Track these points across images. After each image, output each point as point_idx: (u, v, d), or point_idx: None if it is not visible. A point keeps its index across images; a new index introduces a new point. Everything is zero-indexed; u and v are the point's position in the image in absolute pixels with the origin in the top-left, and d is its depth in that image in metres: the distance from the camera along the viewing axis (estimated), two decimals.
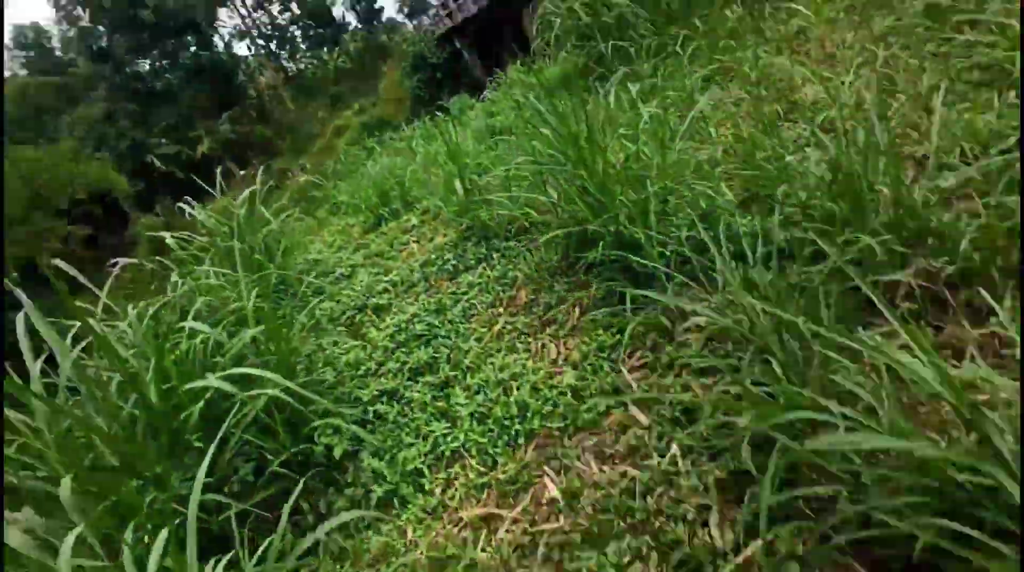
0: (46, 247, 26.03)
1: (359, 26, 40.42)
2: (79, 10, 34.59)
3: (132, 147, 33.41)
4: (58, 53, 37.01)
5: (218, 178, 5.65)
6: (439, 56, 27.64)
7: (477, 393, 2.52)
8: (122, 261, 3.54)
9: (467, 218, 4.20)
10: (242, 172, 39.46)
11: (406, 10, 50.13)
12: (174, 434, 2.20)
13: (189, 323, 2.17)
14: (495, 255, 3.73)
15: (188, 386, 2.04)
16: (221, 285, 3.66)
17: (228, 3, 38.28)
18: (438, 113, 16.17)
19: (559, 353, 2.55)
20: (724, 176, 2.70)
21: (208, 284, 3.60)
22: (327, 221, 9.29)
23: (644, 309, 2.32)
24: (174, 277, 3.88)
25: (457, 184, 4.04)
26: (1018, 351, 1.50)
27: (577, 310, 2.74)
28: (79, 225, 32.55)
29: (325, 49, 41.64)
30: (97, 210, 32.36)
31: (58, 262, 3.08)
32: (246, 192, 5.95)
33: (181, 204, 5.20)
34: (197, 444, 2.28)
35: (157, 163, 33.66)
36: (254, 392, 2.16)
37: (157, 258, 4.89)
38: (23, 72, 36.72)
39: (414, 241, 5.17)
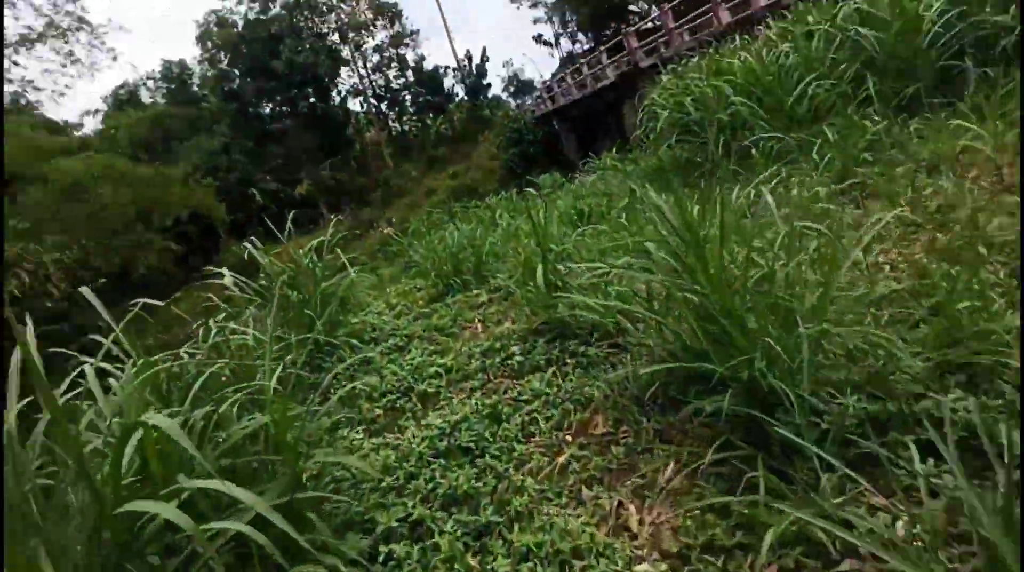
0: (141, 258, 27.73)
1: (465, 98, 42.53)
2: (221, 54, 38.35)
3: (240, 180, 35.80)
4: (195, 89, 40.89)
5: (288, 225, 5.38)
6: (536, 134, 28.40)
7: (524, 560, 1.86)
8: (141, 300, 3.15)
9: (543, 309, 3.65)
10: (332, 216, 41.37)
11: (511, 89, 52.77)
12: (124, 548, 1.67)
13: (153, 418, 1.65)
14: (570, 361, 3.13)
15: (125, 508, 1.51)
16: (255, 340, 3.25)
17: (351, 64, 41.44)
18: (528, 188, 16.15)
19: (643, 526, 1.87)
20: (901, 321, 2.02)
21: (241, 339, 3.18)
22: (397, 278, 9.05)
23: (784, 498, 1.63)
24: (212, 324, 3.49)
25: (539, 270, 3.51)
26: None
27: (672, 465, 2.07)
28: (176, 243, 34.79)
29: (430, 115, 43.94)
30: (194, 231, 34.55)
31: (84, 290, 2.74)
32: (315, 241, 5.73)
33: (245, 243, 4.94)
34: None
35: (258, 197, 35.79)
36: (214, 526, 1.60)
37: (226, 290, 4.63)
38: (163, 102, 40.64)
39: (479, 321, 4.66)
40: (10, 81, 18.30)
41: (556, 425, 2.61)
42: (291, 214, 5.79)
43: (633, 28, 17.36)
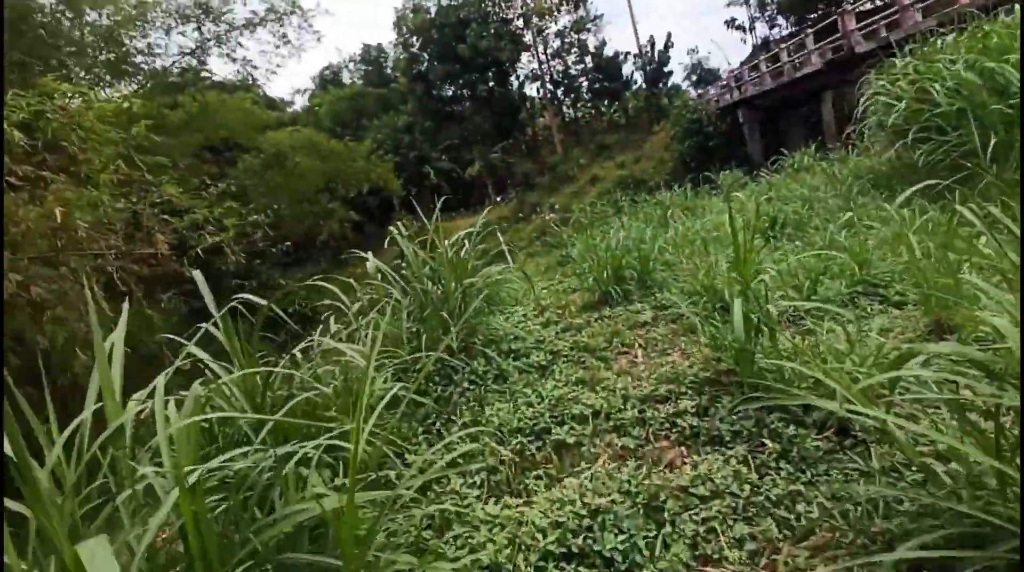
0: (325, 226, 30.47)
1: (643, 86, 40.76)
2: (413, 39, 40.59)
3: (418, 158, 37.88)
4: (388, 71, 43.90)
5: (438, 205, 4.95)
6: (717, 126, 26.14)
7: None
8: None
9: (734, 355, 2.73)
10: (499, 197, 42.44)
11: (693, 78, 49.62)
12: None
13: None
14: (771, 444, 2.20)
15: None
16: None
17: (531, 49, 41.63)
18: (705, 184, 14.64)
19: None
20: None
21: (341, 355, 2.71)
22: (552, 271, 8.45)
23: None
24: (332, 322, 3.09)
25: (737, 308, 2.56)
26: None
27: None
28: (357, 213, 37.83)
29: (604, 101, 42.85)
30: (373, 203, 37.31)
31: (196, 274, 2.41)
32: (470, 226, 5.26)
33: (392, 227, 4.60)
34: None
35: (432, 175, 37.62)
36: None
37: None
38: (360, 83, 44.24)
39: (641, 346, 3.83)
40: (234, 61, 20.45)
41: (750, 555, 1.74)
42: (458, 194, 5.36)
43: (852, 6, 14.85)
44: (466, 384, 3.55)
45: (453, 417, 3.20)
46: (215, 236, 14.64)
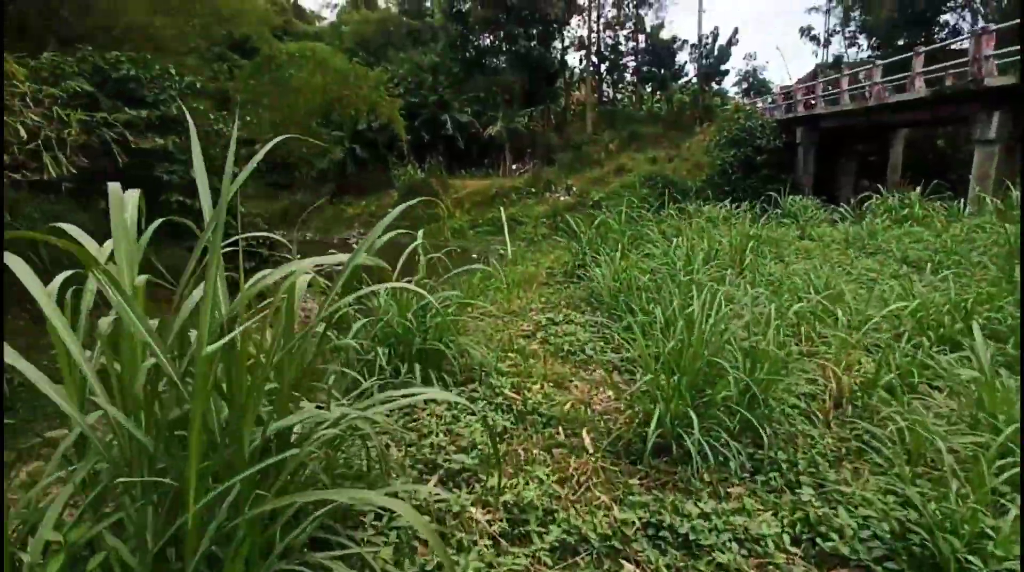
0: (326, 153, 27.46)
1: (694, 79, 37.49)
2: None
3: (438, 102, 34.61)
4: (428, 4, 40.19)
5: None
6: (770, 140, 23.21)
7: None
8: None
9: None
10: (515, 166, 39.33)
11: (743, 85, 46.12)
12: None
13: None
14: None
15: None
16: None
17: (584, 13, 38.09)
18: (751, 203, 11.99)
19: None
20: None
21: None
22: (554, 293, 5.85)
23: None
24: None
25: None
26: None
27: None
28: (361, 147, 34.69)
29: (648, 87, 39.56)
30: (381, 140, 34.21)
31: None
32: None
33: None
34: None
35: (448, 125, 34.44)
36: None
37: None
38: (394, 9, 40.51)
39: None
40: None
41: None
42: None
43: (989, 29, 11.93)
44: None
45: None
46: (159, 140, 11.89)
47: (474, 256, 26.23)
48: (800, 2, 69.37)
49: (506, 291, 5.68)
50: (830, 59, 31.88)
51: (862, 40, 29.52)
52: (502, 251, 9.97)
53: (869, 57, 28.51)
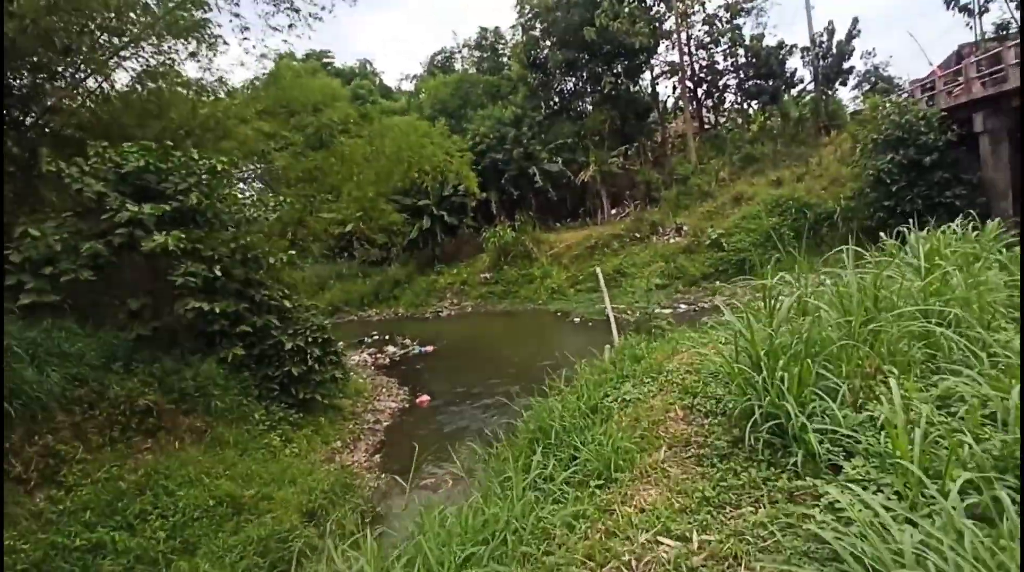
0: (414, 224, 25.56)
1: (811, 85, 32.56)
2: (536, 21, 35.22)
3: (524, 155, 32.41)
4: (504, 58, 38.87)
5: None
6: (936, 137, 18.15)
7: None
8: None
9: None
10: (613, 210, 35.87)
11: (865, 86, 40.01)
12: None
13: None
14: None
15: None
16: None
17: (672, 36, 34.79)
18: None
19: None
20: None
21: None
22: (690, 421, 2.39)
23: None
24: None
25: None
26: None
27: None
28: (447, 214, 33.00)
29: (754, 103, 35.03)
30: (469, 202, 32.36)
31: None
32: None
33: None
34: None
35: (537, 176, 32.00)
36: None
37: None
38: (472, 70, 39.57)
39: None
40: None
41: None
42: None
43: None
44: None
45: None
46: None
47: (576, 320, 23.09)
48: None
49: (601, 474, 2.41)
50: (986, 32, 25.97)
51: None
52: (605, 346, 6.53)
53: None
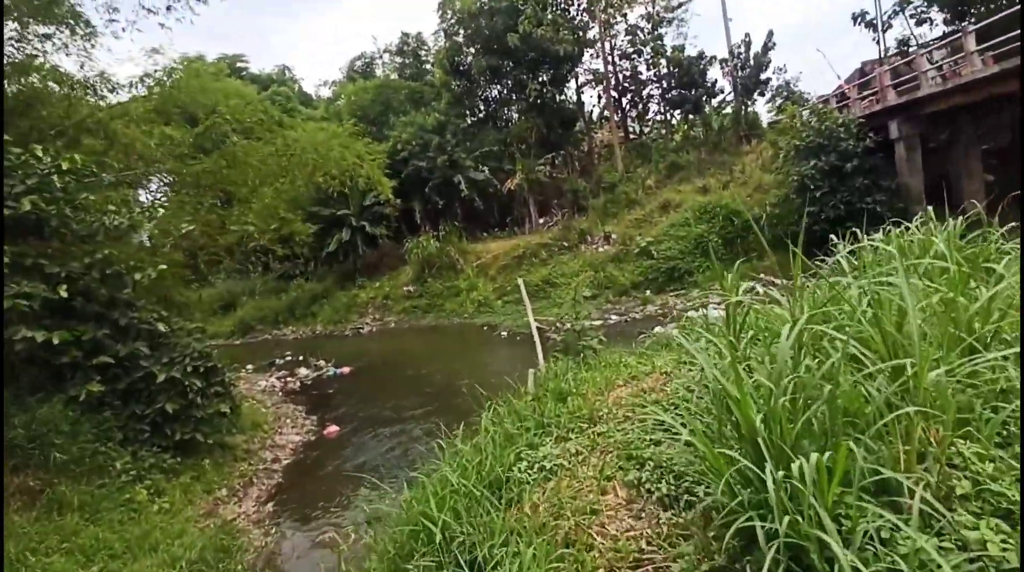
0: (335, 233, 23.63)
1: (730, 97, 33.18)
2: (459, 28, 34.19)
3: (448, 163, 31.14)
4: (427, 65, 37.59)
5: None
6: (855, 143, 18.36)
7: None
8: None
9: None
10: (541, 220, 35.15)
11: (777, 101, 41.35)
12: None
13: None
14: None
15: None
16: None
17: (595, 45, 34.64)
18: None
19: None
20: None
21: None
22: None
23: None
24: None
25: None
26: None
27: None
28: (368, 224, 31.19)
29: (677, 113, 35.38)
30: (392, 212, 30.67)
31: None
32: None
33: None
34: None
35: (462, 185, 30.78)
36: None
37: None
38: (394, 76, 38.01)
39: None
40: None
41: None
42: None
43: None
44: None
45: None
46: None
47: (503, 334, 21.97)
48: (827, 15, 65.31)
49: None
50: (889, 48, 27.12)
51: (936, 14, 24.71)
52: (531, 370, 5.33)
53: (940, 37, 23.69)
